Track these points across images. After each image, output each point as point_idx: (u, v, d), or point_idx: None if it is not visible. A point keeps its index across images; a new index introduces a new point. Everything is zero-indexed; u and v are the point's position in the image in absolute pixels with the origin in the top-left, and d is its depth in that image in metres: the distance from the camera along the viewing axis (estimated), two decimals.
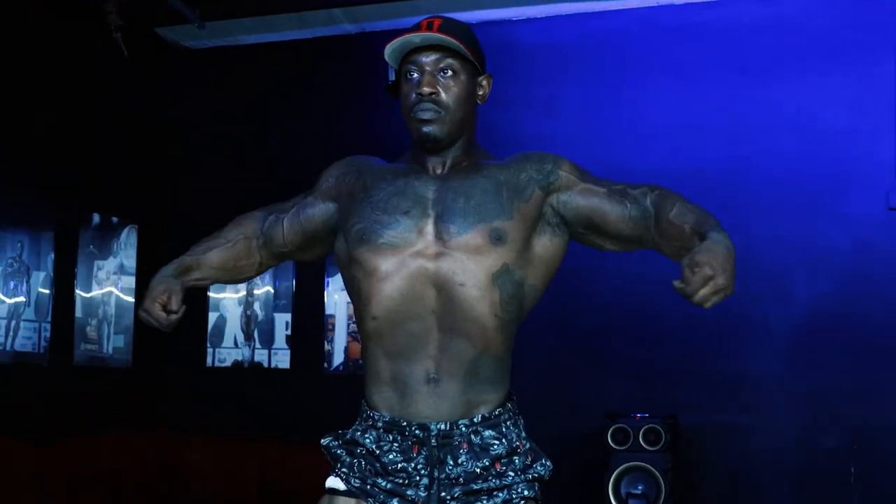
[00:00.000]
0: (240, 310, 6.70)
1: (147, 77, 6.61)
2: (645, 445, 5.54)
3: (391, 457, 2.29)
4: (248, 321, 6.69)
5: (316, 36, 6.71)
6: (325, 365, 6.53)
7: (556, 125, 6.22)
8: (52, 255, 5.87)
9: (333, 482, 2.36)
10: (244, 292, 6.67)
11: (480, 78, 2.43)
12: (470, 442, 2.28)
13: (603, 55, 6.29)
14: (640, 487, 5.53)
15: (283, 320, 6.62)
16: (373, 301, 2.30)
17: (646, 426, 5.55)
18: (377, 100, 6.47)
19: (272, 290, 6.64)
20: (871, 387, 5.72)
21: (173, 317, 2.37)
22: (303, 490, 6.07)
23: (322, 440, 2.41)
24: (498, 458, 2.30)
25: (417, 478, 2.28)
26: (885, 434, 5.67)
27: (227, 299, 6.70)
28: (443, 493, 2.28)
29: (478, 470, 2.28)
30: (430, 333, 2.27)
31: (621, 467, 5.53)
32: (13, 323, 5.58)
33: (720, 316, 5.89)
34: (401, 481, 2.28)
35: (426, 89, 2.33)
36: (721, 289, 2.12)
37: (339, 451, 2.37)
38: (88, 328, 6.14)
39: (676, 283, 2.10)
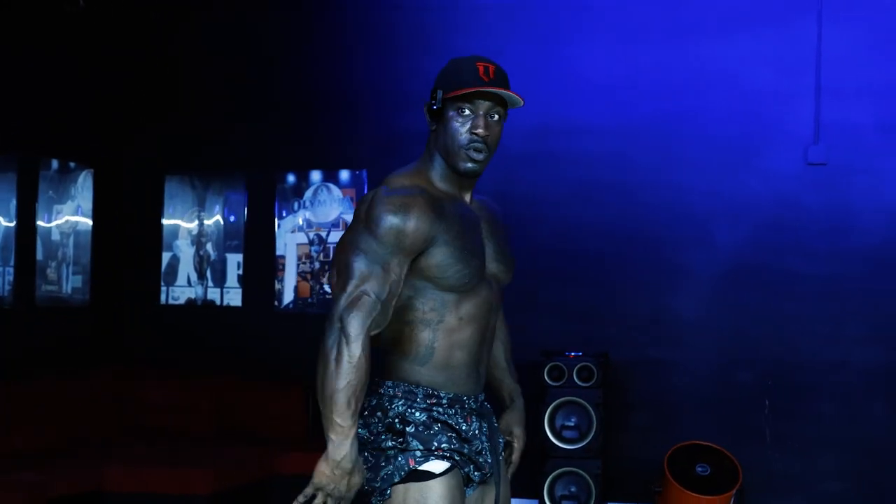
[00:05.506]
0: (192, 249, 6.94)
1: (100, 25, 6.71)
2: (578, 382, 5.98)
3: (464, 427, 2.62)
4: (201, 260, 6.94)
5: None
6: (276, 303, 6.83)
7: None
8: (14, 202, 6.03)
9: (434, 465, 2.56)
10: (196, 230, 6.90)
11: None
12: (490, 410, 2.77)
13: (545, 12, 6.58)
14: (573, 420, 5.98)
15: (234, 260, 6.89)
16: (461, 307, 2.61)
17: (579, 364, 5.98)
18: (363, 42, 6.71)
19: (221, 222, 6.85)
20: (784, 327, 6.22)
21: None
22: (253, 420, 6.41)
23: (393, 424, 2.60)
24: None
25: (484, 442, 2.69)
26: (795, 371, 6.19)
27: (181, 239, 6.94)
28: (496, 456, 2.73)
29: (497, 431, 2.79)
30: (484, 335, 2.71)
31: (556, 401, 5.98)
32: None
33: (649, 260, 6.34)
34: (476, 447, 2.65)
35: (482, 132, 2.58)
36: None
37: (425, 433, 2.58)
38: (48, 270, 6.34)
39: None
